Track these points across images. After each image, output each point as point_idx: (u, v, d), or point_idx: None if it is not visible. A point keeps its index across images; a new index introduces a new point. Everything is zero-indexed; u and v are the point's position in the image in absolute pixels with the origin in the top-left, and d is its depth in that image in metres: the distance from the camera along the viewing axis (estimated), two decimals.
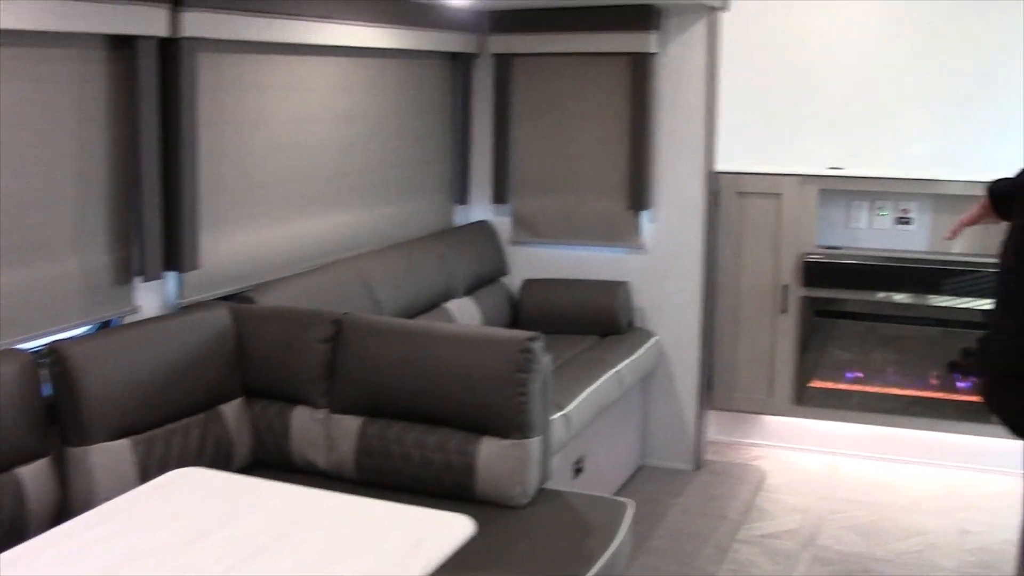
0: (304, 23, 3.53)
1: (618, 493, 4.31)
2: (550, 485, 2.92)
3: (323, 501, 2.14)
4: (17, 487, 2.45)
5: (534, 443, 2.81)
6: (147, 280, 3.03)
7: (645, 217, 4.56)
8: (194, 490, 2.23)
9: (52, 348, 2.62)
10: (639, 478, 4.54)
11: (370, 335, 2.99)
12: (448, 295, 4.30)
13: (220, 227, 3.34)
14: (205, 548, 1.91)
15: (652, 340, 4.54)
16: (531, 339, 2.82)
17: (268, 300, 3.34)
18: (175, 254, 3.10)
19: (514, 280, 4.76)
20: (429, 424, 2.90)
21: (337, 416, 2.99)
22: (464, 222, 4.79)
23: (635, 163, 4.50)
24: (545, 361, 2.87)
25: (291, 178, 3.66)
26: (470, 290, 4.47)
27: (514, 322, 4.68)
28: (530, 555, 2.59)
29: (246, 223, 3.47)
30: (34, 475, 2.49)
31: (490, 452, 2.80)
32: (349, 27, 3.76)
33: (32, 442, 2.50)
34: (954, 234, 2.74)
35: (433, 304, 4.20)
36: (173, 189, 3.06)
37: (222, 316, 3.07)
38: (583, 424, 3.74)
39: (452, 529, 2.01)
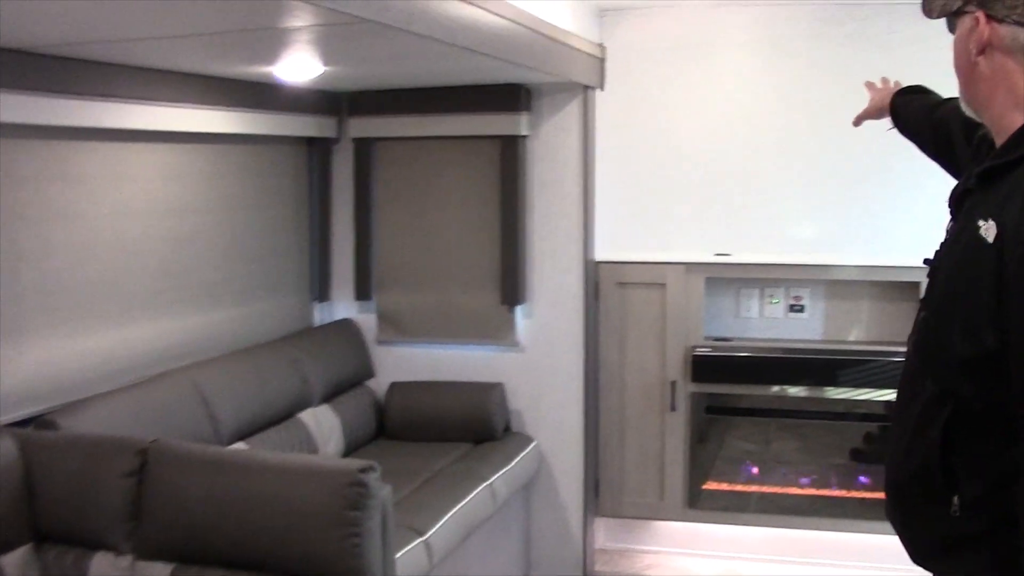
0: (123, 105, 3.13)
1: None
2: None
3: None
4: None
5: None
6: None
7: (520, 312, 4.22)
8: None
9: None
10: None
11: (180, 467, 2.55)
12: (303, 404, 3.87)
13: (20, 338, 2.89)
14: None
15: (531, 445, 4.16)
16: (364, 470, 2.41)
17: (76, 423, 2.87)
18: None
19: (381, 383, 4.35)
20: (250, 571, 2.46)
21: (143, 563, 2.54)
22: (325, 321, 4.38)
23: (507, 254, 4.17)
24: (383, 494, 2.47)
25: (108, 280, 3.22)
26: (329, 397, 4.05)
27: (380, 430, 4.27)
28: None
29: (53, 333, 3.02)
30: None
31: None
32: (180, 110, 3.37)
33: None
34: (859, 121, 2.58)
35: (285, 415, 3.77)
36: None
37: (5, 447, 2.60)
38: (450, 548, 3.32)
39: None
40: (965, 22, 1.54)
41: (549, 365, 4.21)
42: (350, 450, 4.05)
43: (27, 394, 2.91)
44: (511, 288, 4.17)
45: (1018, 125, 1.51)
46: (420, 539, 3.14)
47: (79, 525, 2.60)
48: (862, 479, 4.36)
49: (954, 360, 1.51)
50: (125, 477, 2.57)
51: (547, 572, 4.26)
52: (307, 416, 3.87)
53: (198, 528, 2.49)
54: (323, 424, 3.91)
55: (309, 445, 3.78)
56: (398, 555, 2.99)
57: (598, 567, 4.32)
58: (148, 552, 2.54)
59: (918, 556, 1.69)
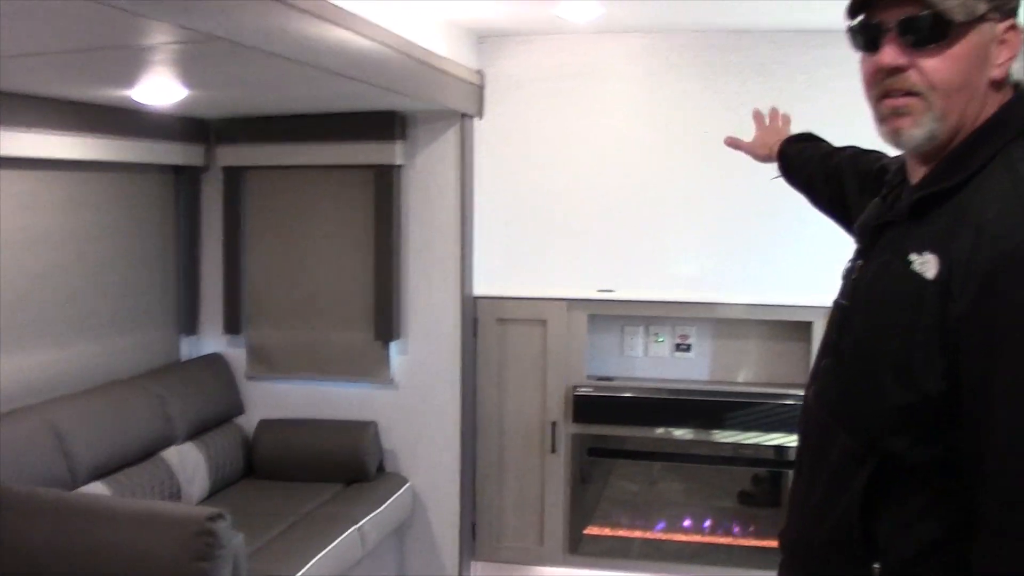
0: None
1: None
2: None
3: None
4: None
5: None
6: None
7: (394, 348, 4.06)
8: None
9: None
10: None
11: (23, 512, 2.39)
12: (166, 442, 3.70)
13: None
14: None
15: (405, 486, 4.00)
16: (212, 518, 2.25)
17: None
18: None
19: (250, 420, 4.18)
20: None
21: None
22: (193, 355, 4.22)
23: (381, 288, 4.01)
24: (235, 543, 2.30)
25: None
26: (195, 434, 3.87)
27: (248, 469, 4.10)
28: None
29: None
30: None
31: None
32: (36, 135, 3.20)
33: None
34: (734, 144, 2.45)
35: (148, 453, 3.59)
36: None
37: None
38: None
39: None
40: (984, 30, 1.35)
41: (424, 403, 4.06)
42: (216, 489, 3.88)
43: None
44: (385, 323, 4.01)
45: None
46: None
47: None
48: (749, 528, 4.22)
49: (886, 410, 1.34)
50: None
51: None
52: (170, 454, 3.70)
53: None
54: (187, 463, 3.74)
55: (171, 484, 3.61)
56: None
57: None
58: None
59: None
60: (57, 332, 3.50)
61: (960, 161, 1.37)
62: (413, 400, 4.07)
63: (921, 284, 1.31)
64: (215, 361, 4.17)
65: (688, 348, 4.17)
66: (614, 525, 4.35)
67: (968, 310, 1.26)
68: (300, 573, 3.14)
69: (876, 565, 1.38)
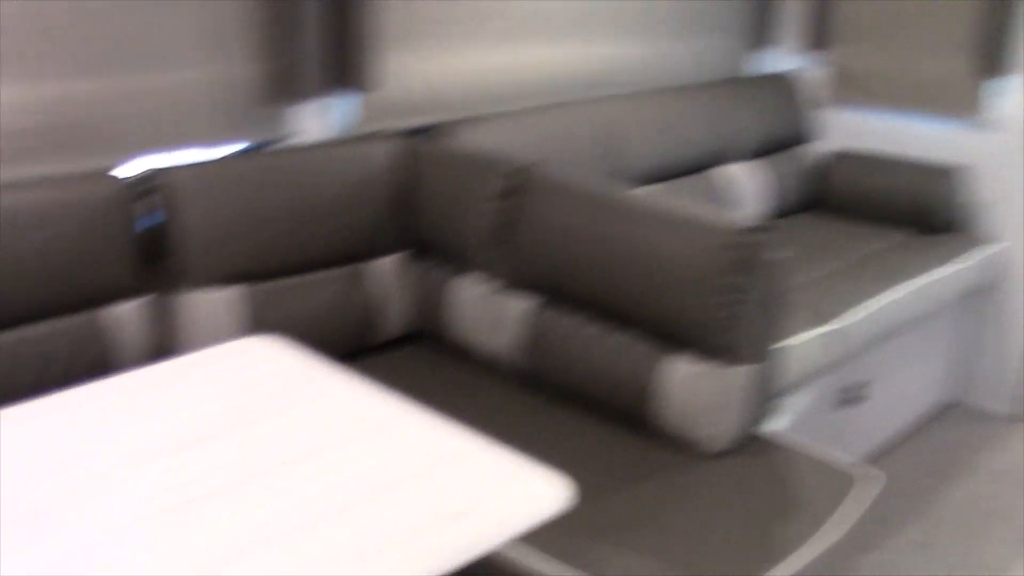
0: None
1: (905, 436, 3.39)
2: (796, 429, 2.13)
3: (395, 418, 1.49)
4: (100, 330, 2.02)
5: (740, 372, 2.01)
6: (305, 100, 2.47)
7: (1001, 85, 3.42)
8: (250, 367, 1.65)
9: (154, 173, 2.14)
10: (944, 420, 3.55)
11: (553, 197, 2.26)
12: (721, 159, 3.47)
13: (413, 41, 2.72)
14: (198, 455, 1.35)
15: (990, 248, 3.46)
16: (754, 230, 1.98)
17: (468, 139, 2.69)
18: (348, 69, 2.51)
19: (818, 149, 3.80)
20: (613, 322, 2.18)
21: (507, 293, 2.34)
22: (759, 72, 3.86)
23: (990, 10, 3.35)
24: (775, 261, 2.02)
25: None
26: (755, 155, 3.60)
27: (811, 201, 3.77)
28: (695, 526, 1.83)
29: (453, 40, 2.82)
30: (121, 318, 2.06)
31: (676, 376, 2.04)
32: None
33: (120, 280, 2.05)
34: None
35: (698, 168, 3.39)
36: None
37: (390, 151, 2.46)
38: (858, 344, 2.85)
39: (526, 499, 1.31)
40: None
41: None
42: (773, 217, 3.63)
43: (412, 104, 2.76)
44: (989, 54, 3.37)
45: None
46: (824, 327, 2.69)
47: (449, 243, 2.43)
48: None
49: None
50: (494, 199, 2.34)
51: (979, 397, 3.64)
52: (724, 173, 3.47)
53: (563, 266, 2.22)
54: (742, 184, 3.49)
55: (723, 203, 3.41)
56: (794, 340, 2.59)
57: None
58: (513, 281, 2.33)
59: None
60: (618, 25, 3.29)
61: None
62: (1015, 146, 3.44)
63: None
64: (783, 80, 3.79)
65: None
66: None
67: None
68: (848, 315, 2.79)
69: None
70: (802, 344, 2.60)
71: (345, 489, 1.28)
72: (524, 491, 1.30)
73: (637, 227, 2.09)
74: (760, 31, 3.80)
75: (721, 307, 1.97)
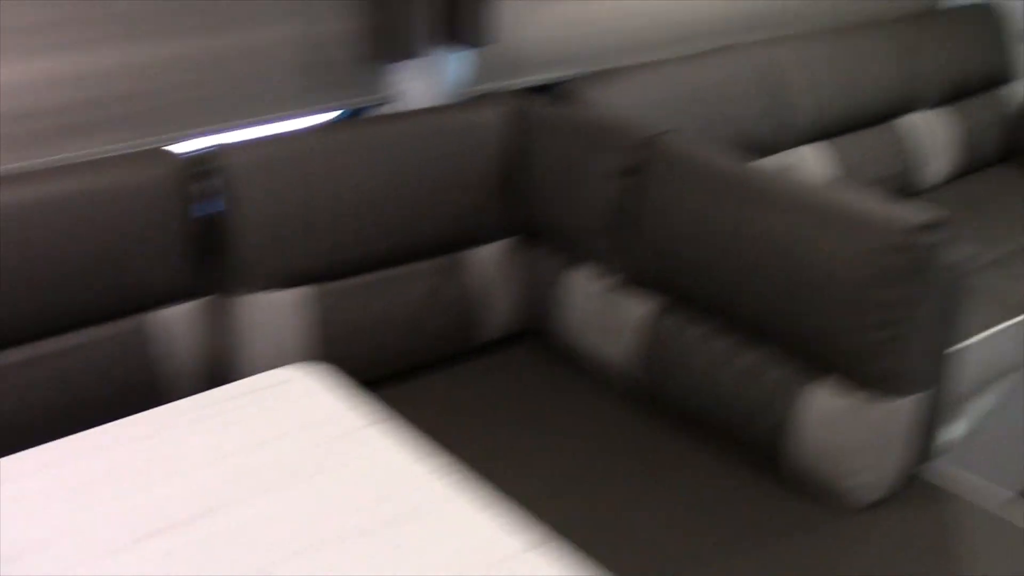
0: None
1: None
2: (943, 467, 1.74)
3: (442, 500, 1.21)
4: (146, 337, 1.80)
5: (902, 406, 1.61)
6: (409, 58, 2.16)
7: None
8: (277, 409, 1.40)
9: (214, 152, 1.88)
10: None
11: (681, 176, 1.89)
12: (908, 106, 3.01)
13: None
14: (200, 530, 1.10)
15: None
16: (925, 226, 1.56)
17: (593, 100, 2.34)
18: (459, 20, 2.19)
19: (1018, 92, 3.25)
20: (746, 336, 1.80)
21: (625, 291, 1.99)
22: (949, 4, 3.30)
23: None
24: (955, 261, 1.60)
25: None
26: (946, 101, 3.10)
27: (1011, 151, 3.24)
28: None
29: None
30: (171, 324, 1.83)
31: (821, 408, 1.66)
32: None
33: (173, 281, 1.82)
34: None
35: (881, 118, 2.95)
36: None
37: (500, 118, 2.13)
38: None
39: None
40: None
41: None
42: (962, 172, 3.14)
43: (535, 58, 2.43)
44: None
45: None
46: (1015, 319, 2.25)
47: (561, 227, 2.10)
48: None
49: None
50: (616, 177, 1.99)
51: None
52: (911, 122, 3.01)
53: (690, 263, 1.85)
54: (931, 135, 3.02)
55: (906, 158, 2.96)
56: (975, 338, 2.15)
57: None
58: (632, 276, 1.98)
59: None
60: None
61: None
62: None
63: None
64: (983, 12, 3.23)
65: None
66: None
67: None
68: None
69: None
70: (985, 341, 2.17)
71: None
72: None
73: (779, 219, 1.70)
74: None
75: (882, 325, 1.58)
